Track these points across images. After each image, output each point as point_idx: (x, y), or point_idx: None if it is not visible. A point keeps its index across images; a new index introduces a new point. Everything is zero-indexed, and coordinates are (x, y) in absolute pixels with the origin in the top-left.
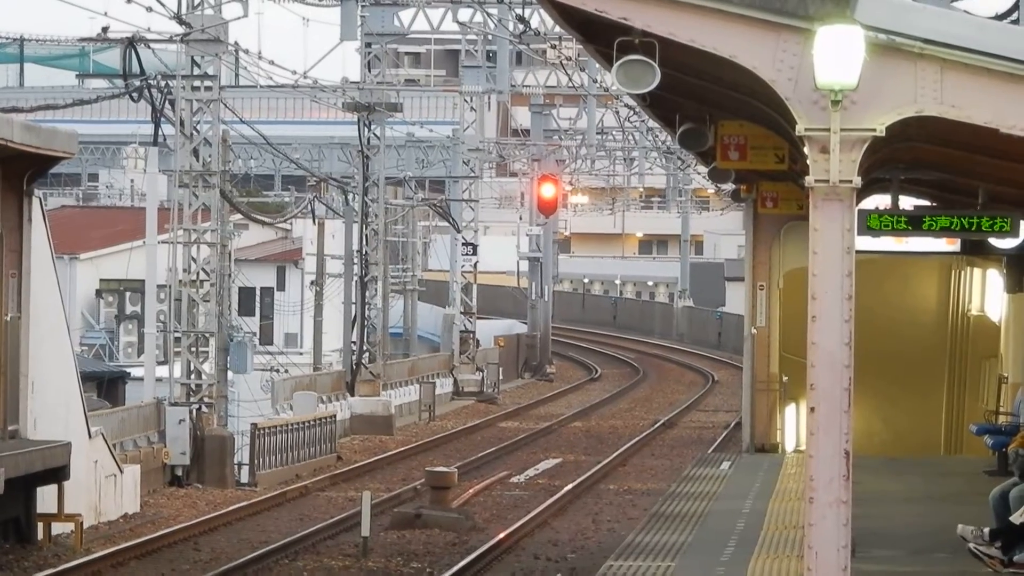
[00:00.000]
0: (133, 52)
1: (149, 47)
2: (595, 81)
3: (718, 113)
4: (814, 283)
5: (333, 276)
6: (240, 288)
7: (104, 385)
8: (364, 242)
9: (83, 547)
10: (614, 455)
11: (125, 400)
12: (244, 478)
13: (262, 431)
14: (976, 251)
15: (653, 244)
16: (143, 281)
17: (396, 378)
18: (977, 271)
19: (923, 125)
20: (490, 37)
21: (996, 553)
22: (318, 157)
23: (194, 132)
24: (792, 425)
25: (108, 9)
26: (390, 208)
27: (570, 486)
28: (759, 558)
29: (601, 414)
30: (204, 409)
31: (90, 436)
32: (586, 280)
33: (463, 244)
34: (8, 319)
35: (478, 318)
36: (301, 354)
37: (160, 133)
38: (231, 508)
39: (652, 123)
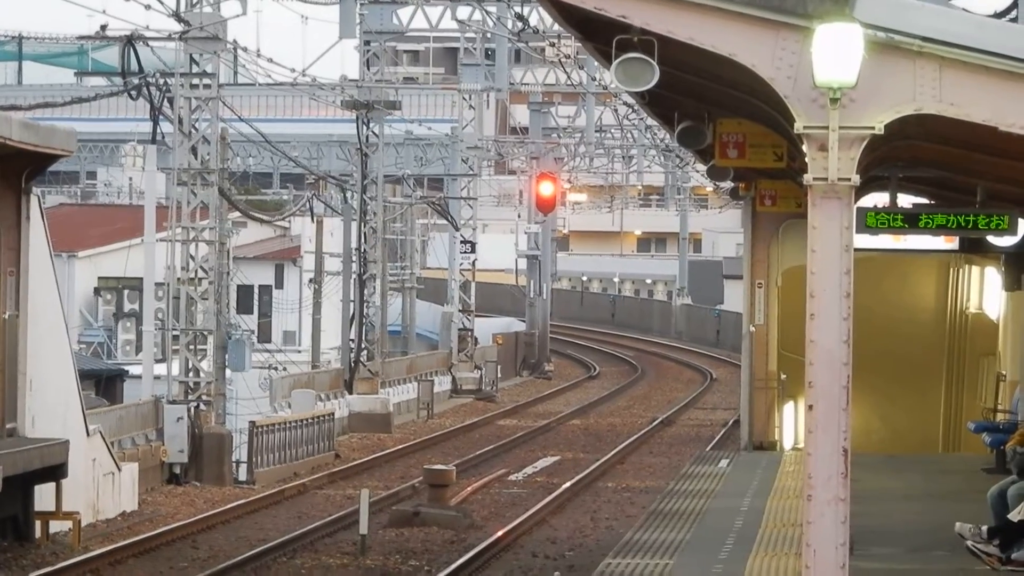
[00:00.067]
0: (132, 50)
1: (148, 45)
2: (594, 79)
3: (717, 111)
4: (812, 281)
5: (331, 274)
6: (238, 286)
7: (102, 383)
8: (363, 240)
9: (81, 545)
10: (612, 453)
11: (123, 398)
12: (242, 476)
13: (260, 429)
14: (974, 249)
15: (652, 242)
16: (141, 279)
17: (394, 376)
18: (975, 269)
19: (922, 123)
20: (489, 35)
21: (994, 551)
22: (317, 155)
23: (193, 130)
24: (790, 423)
25: (107, 7)
26: (389, 206)
27: (568, 484)
28: (757, 556)
29: (599, 412)
30: (202, 407)
31: (88, 434)
32: (584, 278)
33: (462, 242)
34: (6, 317)
35: (476, 316)
36: (299, 352)
37: (159, 131)
38: (229, 506)
39: (651, 121)
